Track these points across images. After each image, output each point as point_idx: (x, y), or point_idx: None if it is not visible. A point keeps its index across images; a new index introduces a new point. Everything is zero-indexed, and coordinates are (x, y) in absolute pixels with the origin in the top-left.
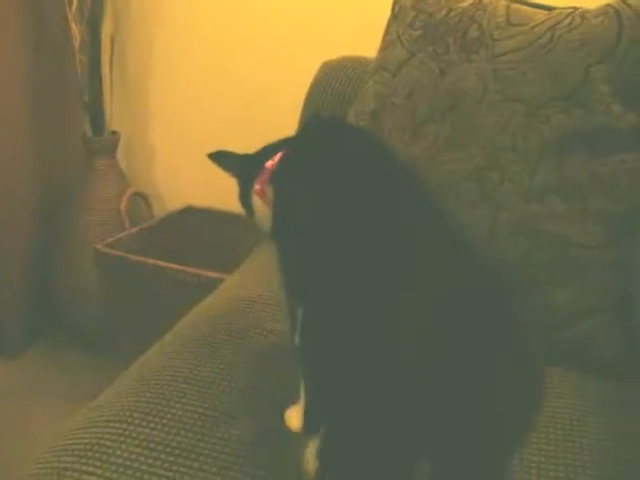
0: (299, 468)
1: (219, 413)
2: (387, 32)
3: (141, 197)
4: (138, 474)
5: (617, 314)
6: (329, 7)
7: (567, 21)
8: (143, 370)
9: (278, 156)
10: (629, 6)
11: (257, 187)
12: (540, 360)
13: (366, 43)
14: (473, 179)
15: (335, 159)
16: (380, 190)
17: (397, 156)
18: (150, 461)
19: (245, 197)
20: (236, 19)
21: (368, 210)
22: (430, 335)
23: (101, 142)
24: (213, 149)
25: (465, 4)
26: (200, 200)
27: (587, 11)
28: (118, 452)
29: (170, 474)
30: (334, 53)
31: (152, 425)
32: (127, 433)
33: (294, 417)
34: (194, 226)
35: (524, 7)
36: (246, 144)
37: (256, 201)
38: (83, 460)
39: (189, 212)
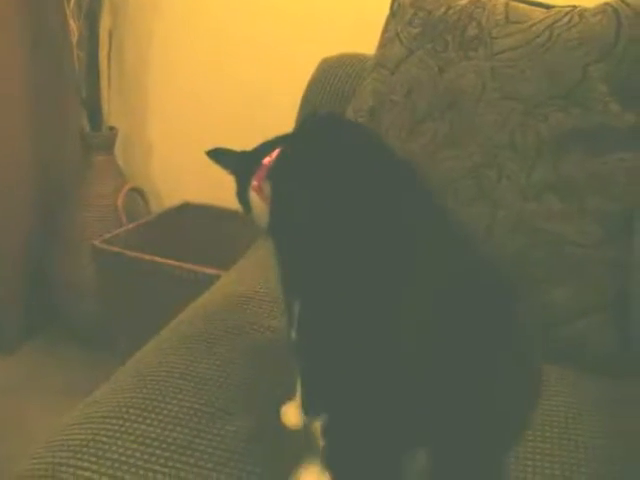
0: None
1: (215, 409)
2: (386, 29)
3: (138, 193)
4: (134, 470)
5: (613, 313)
6: (328, 4)
7: (565, 19)
8: (139, 366)
9: (275, 153)
10: (628, 5)
11: (254, 183)
12: (537, 358)
13: (365, 40)
14: (471, 177)
15: (333, 155)
16: (378, 185)
17: (395, 152)
18: (146, 457)
19: (242, 194)
20: (235, 15)
21: (366, 206)
22: (427, 329)
23: (99, 138)
24: (211, 145)
25: (464, 2)
26: (197, 196)
27: (586, 10)
28: (114, 448)
29: (166, 470)
30: (333, 50)
31: (148, 421)
32: (123, 429)
33: (290, 413)
34: (191, 222)
35: (523, 5)
36: (244, 140)
37: (253, 197)
38: (79, 456)
39: (186, 208)
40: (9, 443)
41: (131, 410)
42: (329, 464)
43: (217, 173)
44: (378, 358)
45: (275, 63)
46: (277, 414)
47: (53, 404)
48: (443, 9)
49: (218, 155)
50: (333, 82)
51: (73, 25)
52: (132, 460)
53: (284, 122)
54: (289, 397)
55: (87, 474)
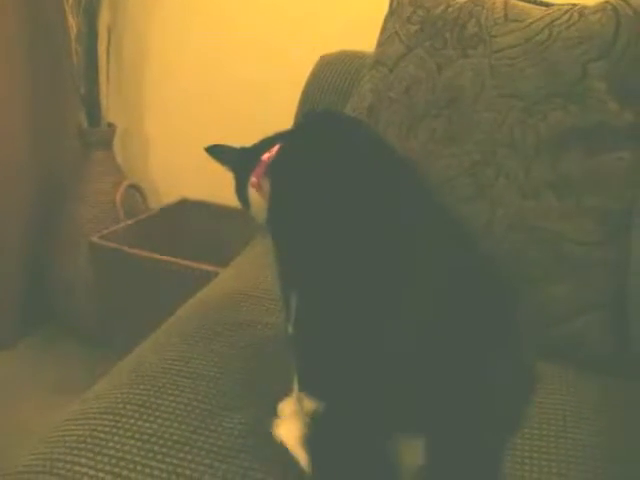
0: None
1: (213, 406)
2: (385, 27)
3: (136, 189)
4: (131, 466)
5: (612, 311)
6: (328, 1)
7: (565, 18)
8: (137, 362)
9: (274, 149)
10: (627, 3)
11: (253, 180)
12: (532, 355)
13: (364, 37)
14: (469, 174)
15: (331, 151)
16: (377, 181)
17: (394, 147)
18: (143, 453)
19: (241, 190)
20: (234, 11)
21: (364, 201)
22: (422, 320)
23: (97, 134)
24: (209, 142)
25: (463, 0)
26: (195, 193)
27: (585, 8)
28: (111, 444)
29: (163, 466)
30: (332, 47)
31: (145, 417)
32: (120, 425)
33: (287, 410)
34: (189, 219)
35: (522, 3)
36: (243, 137)
37: (252, 194)
38: (75, 452)
39: (184, 205)
40: (5, 439)
41: (128, 406)
42: (311, 448)
43: (215, 170)
44: (374, 349)
45: (274, 60)
46: (274, 410)
47: (50, 400)
48: (442, 7)
49: (217, 151)
50: (332, 79)
51: (72, 21)
52: (129, 456)
53: (283, 119)
54: (286, 393)
55: (84, 470)
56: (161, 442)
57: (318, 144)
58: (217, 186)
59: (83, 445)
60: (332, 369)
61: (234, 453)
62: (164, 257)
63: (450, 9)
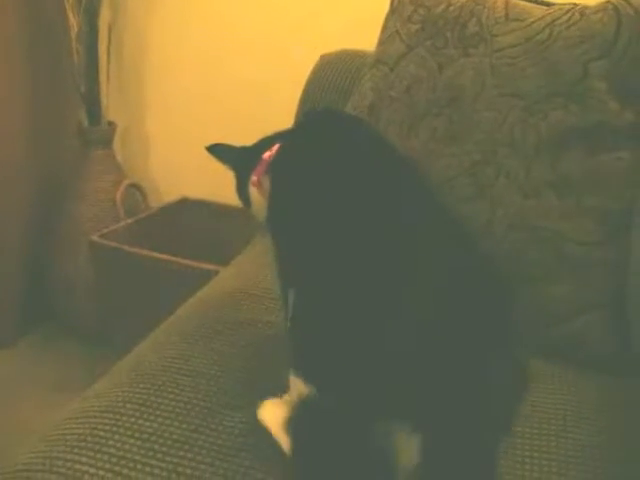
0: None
1: (213, 404)
2: (386, 26)
3: (137, 188)
4: (131, 464)
5: (611, 311)
6: (328, 0)
7: (566, 17)
8: (137, 361)
9: (275, 148)
10: (628, 3)
11: (254, 178)
12: (526, 355)
13: (365, 36)
14: (469, 174)
15: (331, 149)
16: (375, 179)
17: (394, 145)
18: (143, 451)
19: (242, 189)
20: (234, 10)
21: (363, 199)
22: (416, 316)
23: (97, 133)
24: (210, 141)
25: None
26: (196, 192)
27: (586, 7)
28: (111, 442)
29: (163, 464)
30: (333, 46)
31: (145, 416)
32: (120, 424)
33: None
34: (190, 218)
35: (523, 2)
36: (243, 136)
37: (253, 192)
38: (75, 450)
39: (185, 204)
40: (5, 437)
41: (128, 405)
42: (296, 431)
43: (216, 169)
44: (371, 345)
45: (275, 59)
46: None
47: (50, 399)
48: (443, 6)
49: (218, 150)
50: (333, 78)
51: (72, 19)
52: (129, 455)
53: (283, 118)
54: (287, 392)
55: (84, 468)
56: (161, 441)
57: (318, 143)
58: (217, 185)
59: (83, 444)
60: (328, 360)
61: (235, 452)
62: (164, 256)
63: (451, 8)
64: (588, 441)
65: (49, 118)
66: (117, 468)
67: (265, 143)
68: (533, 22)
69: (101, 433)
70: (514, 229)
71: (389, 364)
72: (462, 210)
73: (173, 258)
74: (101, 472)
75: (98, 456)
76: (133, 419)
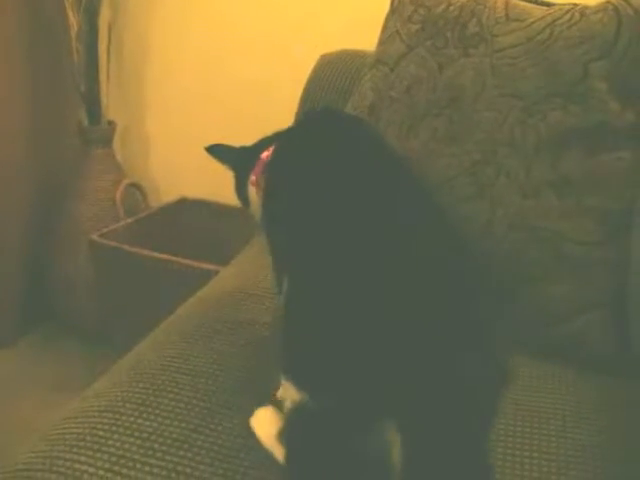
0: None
1: (212, 404)
2: (386, 26)
3: (136, 188)
4: (131, 463)
5: (611, 311)
6: (329, 0)
7: (566, 17)
8: (136, 360)
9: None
10: (629, 3)
11: (252, 178)
12: (506, 351)
13: (365, 36)
14: (469, 174)
15: (326, 148)
16: (367, 176)
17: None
18: (142, 451)
19: (241, 188)
20: (235, 10)
21: (353, 196)
22: (400, 309)
23: (97, 132)
24: (210, 140)
25: None
26: (195, 192)
27: (586, 8)
28: (110, 442)
29: (163, 464)
30: (333, 46)
31: (145, 415)
32: (120, 423)
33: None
34: (189, 218)
35: (523, 3)
36: (243, 136)
37: (251, 192)
38: (75, 450)
39: (184, 203)
40: (5, 437)
41: (128, 404)
42: (289, 440)
43: (216, 168)
44: (358, 341)
45: (275, 59)
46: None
47: (50, 398)
48: (443, 6)
49: (217, 151)
50: (333, 78)
51: (72, 18)
52: (129, 454)
53: (284, 118)
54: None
55: (84, 467)
56: (161, 440)
57: (314, 142)
58: (217, 185)
59: (83, 443)
60: (319, 361)
61: (234, 452)
62: (164, 256)
63: (451, 8)
64: (588, 441)
65: (49, 117)
66: (117, 467)
67: (264, 143)
68: (533, 22)
69: (101, 432)
70: (514, 229)
71: (380, 363)
72: (462, 210)
73: (173, 258)
74: (101, 471)
75: (98, 455)
76: (132, 418)
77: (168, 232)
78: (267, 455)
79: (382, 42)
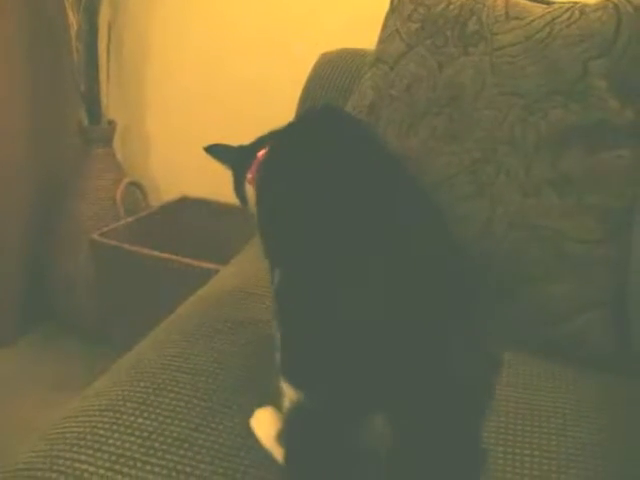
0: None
1: (213, 403)
2: (386, 25)
3: (137, 187)
4: (131, 462)
5: (612, 310)
6: None
7: (566, 16)
8: (137, 359)
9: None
10: (628, 1)
11: (249, 176)
12: (497, 344)
13: (365, 35)
14: (469, 172)
15: (320, 146)
16: (360, 174)
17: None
18: (143, 450)
19: (239, 187)
20: (235, 9)
21: (346, 195)
22: (392, 306)
23: (97, 131)
24: (210, 139)
25: None
26: (196, 191)
27: (586, 6)
28: (111, 441)
29: (163, 462)
30: (333, 45)
31: (145, 414)
32: (120, 422)
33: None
34: (189, 217)
35: (523, 1)
36: (243, 134)
37: (249, 190)
38: (75, 449)
39: (185, 202)
40: (6, 436)
41: (128, 403)
42: (288, 440)
43: (215, 167)
44: (349, 336)
45: (275, 57)
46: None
47: (50, 397)
48: (443, 4)
49: (216, 150)
50: (333, 77)
51: (72, 18)
52: (129, 453)
53: (284, 117)
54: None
55: (84, 467)
56: (161, 439)
57: (308, 139)
58: (217, 184)
59: (83, 442)
60: (310, 354)
61: (234, 451)
62: (164, 255)
63: (451, 7)
64: (588, 439)
65: (49, 117)
66: (117, 466)
67: (261, 142)
68: (533, 20)
69: (101, 431)
70: (514, 227)
71: (371, 357)
72: (462, 208)
73: (173, 257)
74: (101, 470)
75: (98, 454)
76: (133, 417)
77: (168, 231)
78: (267, 454)
79: (382, 41)
